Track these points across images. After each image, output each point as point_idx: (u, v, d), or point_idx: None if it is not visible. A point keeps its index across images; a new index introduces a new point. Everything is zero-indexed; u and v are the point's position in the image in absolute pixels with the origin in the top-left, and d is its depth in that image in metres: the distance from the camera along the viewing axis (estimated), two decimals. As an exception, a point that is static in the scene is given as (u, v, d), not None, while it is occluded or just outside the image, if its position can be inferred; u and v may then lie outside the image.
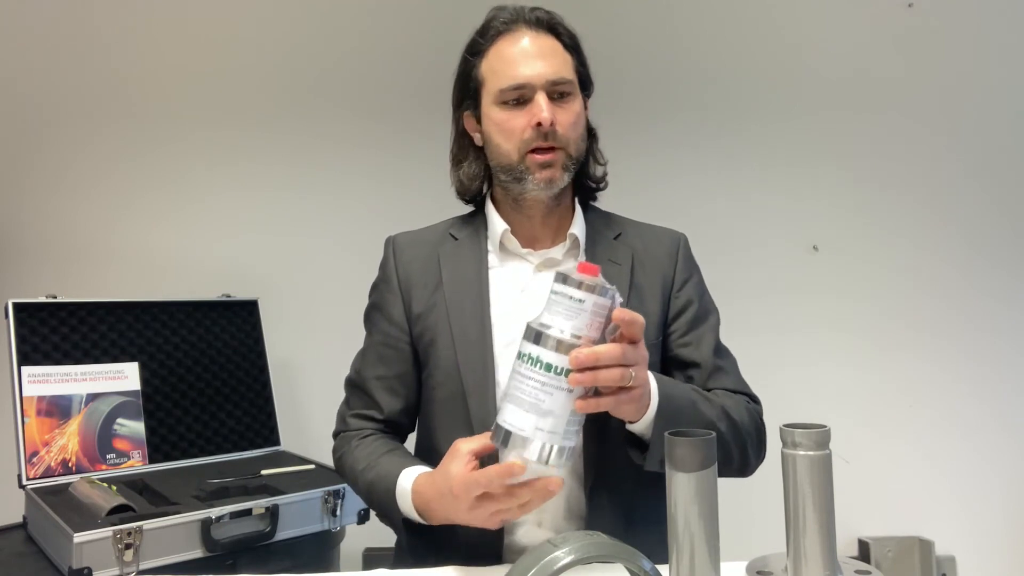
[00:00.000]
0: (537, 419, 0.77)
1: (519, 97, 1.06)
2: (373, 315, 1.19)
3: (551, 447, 0.78)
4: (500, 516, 0.87)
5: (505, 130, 1.07)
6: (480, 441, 0.90)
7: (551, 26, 1.10)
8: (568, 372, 0.77)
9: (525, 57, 1.06)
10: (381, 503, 1.04)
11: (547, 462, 0.78)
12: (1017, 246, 2.24)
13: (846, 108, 2.24)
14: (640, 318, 0.82)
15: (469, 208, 1.22)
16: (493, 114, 1.08)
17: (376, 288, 1.20)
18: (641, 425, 0.93)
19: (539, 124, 1.03)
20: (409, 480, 0.99)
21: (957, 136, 2.24)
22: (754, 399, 1.11)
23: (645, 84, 2.20)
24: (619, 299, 0.81)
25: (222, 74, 2.15)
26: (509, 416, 0.79)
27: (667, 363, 1.13)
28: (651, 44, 2.21)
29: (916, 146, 2.24)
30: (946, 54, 2.22)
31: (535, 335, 0.79)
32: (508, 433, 0.79)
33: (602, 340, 0.81)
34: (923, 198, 2.24)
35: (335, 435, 1.19)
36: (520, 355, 0.80)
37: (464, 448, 0.90)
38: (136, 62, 2.12)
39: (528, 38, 1.07)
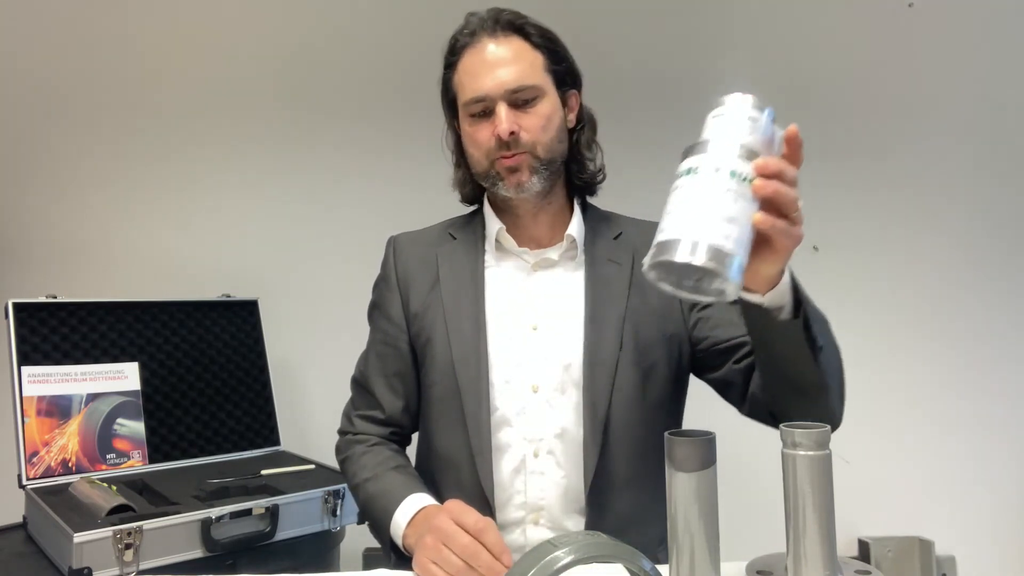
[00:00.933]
0: (725, 225, 0.66)
1: (482, 109, 1.07)
2: (374, 314, 1.21)
3: (737, 259, 0.66)
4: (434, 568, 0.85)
5: (474, 141, 1.09)
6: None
7: (518, 27, 1.08)
8: (751, 181, 0.69)
9: (485, 68, 1.06)
10: (375, 520, 1.05)
11: (729, 273, 0.66)
12: (1017, 247, 2.24)
13: (846, 108, 2.23)
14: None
15: (471, 208, 1.22)
16: (465, 126, 1.11)
17: (376, 287, 1.22)
18: (776, 294, 0.82)
19: (499, 135, 1.04)
20: (405, 517, 0.99)
21: (957, 136, 2.24)
22: None
23: (645, 83, 2.20)
24: (780, 133, 0.74)
25: (222, 75, 2.15)
26: (682, 226, 0.66)
27: (703, 354, 1.09)
28: (651, 43, 2.21)
29: (916, 146, 2.24)
30: (946, 54, 2.22)
31: (711, 145, 0.71)
32: (680, 243, 0.65)
33: None
34: (923, 198, 2.24)
35: (341, 433, 1.20)
36: (689, 170, 0.70)
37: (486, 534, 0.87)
38: (136, 64, 2.12)
39: (492, 46, 1.07)
